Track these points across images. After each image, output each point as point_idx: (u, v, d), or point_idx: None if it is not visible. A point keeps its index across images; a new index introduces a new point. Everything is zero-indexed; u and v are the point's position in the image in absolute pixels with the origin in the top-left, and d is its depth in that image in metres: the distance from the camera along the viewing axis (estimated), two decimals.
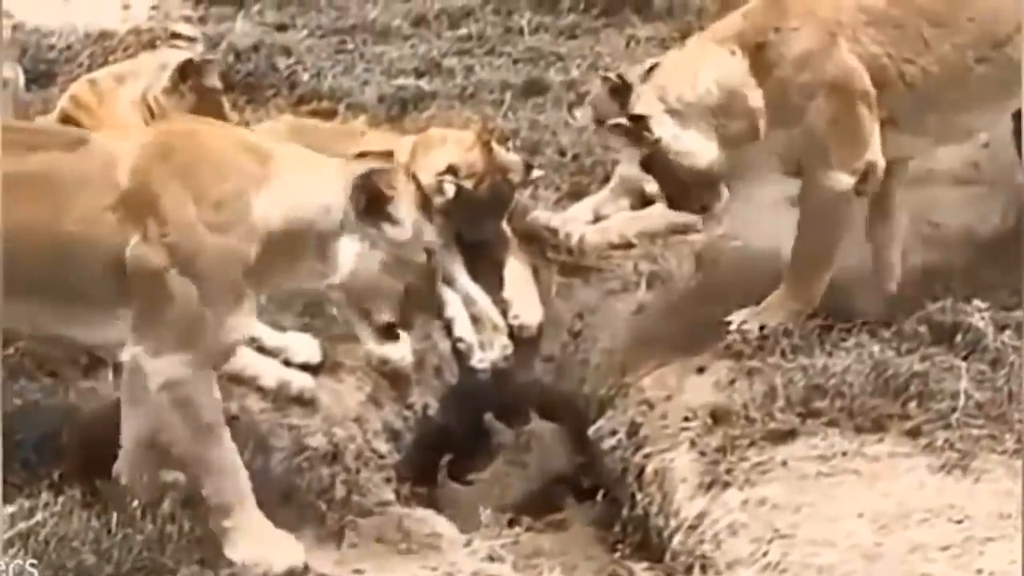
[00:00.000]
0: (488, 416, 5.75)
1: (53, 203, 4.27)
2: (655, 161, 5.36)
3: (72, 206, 4.27)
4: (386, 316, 4.43)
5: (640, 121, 5.30)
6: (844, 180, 5.19)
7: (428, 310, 4.65)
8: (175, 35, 6.82)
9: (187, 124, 4.58)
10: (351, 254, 4.33)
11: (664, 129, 5.27)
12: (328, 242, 4.33)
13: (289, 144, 4.59)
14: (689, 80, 5.29)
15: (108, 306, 4.29)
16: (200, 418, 4.26)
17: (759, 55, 5.22)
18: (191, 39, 6.72)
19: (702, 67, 5.29)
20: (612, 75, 6.46)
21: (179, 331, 4.23)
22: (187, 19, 8.88)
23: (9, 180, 4.28)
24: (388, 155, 4.71)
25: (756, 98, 5.22)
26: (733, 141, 5.25)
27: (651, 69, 5.50)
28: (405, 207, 4.37)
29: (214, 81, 5.85)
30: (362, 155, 4.61)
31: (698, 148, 5.27)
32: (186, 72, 5.73)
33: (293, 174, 4.35)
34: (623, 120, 5.38)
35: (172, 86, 5.71)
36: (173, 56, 5.91)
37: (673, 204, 5.60)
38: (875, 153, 5.20)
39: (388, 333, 4.48)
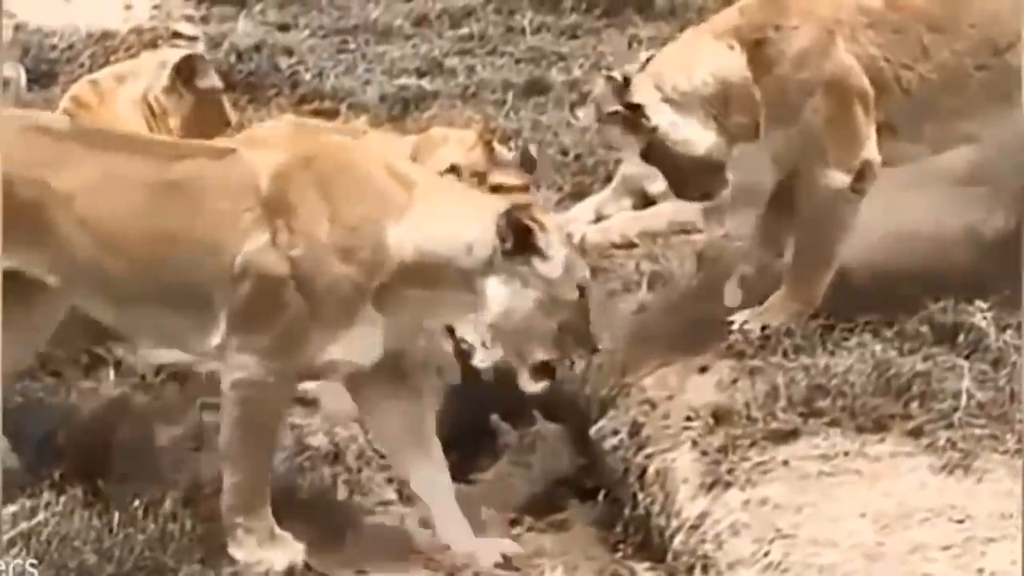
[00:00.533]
0: (494, 417, 5.74)
1: (190, 208, 4.31)
2: (654, 150, 5.36)
3: (209, 210, 4.29)
4: (540, 355, 4.33)
5: (637, 109, 5.30)
6: (840, 179, 5.20)
7: (585, 347, 4.42)
8: (176, 34, 6.83)
9: (338, 139, 4.55)
10: (504, 293, 4.23)
11: (661, 117, 5.28)
12: (473, 278, 4.24)
13: (435, 174, 4.51)
14: (685, 71, 5.30)
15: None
16: (257, 422, 4.27)
17: (758, 51, 5.23)
18: (192, 38, 6.74)
19: (699, 59, 5.30)
20: (615, 74, 6.47)
21: (277, 340, 4.23)
22: (189, 19, 8.90)
23: (152, 189, 4.33)
24: (524, 188, 4.64)
25: (754, 92, 5.24)
26: (732, 132, 5.26)
27: (647, 61, 5.52)
28: (556, 242, 4.27)
29: (211, 80, 5.85)
30: (495, 189, 4.53)
31: (695, 135, 5.28)
32: (182, 70, 5.73)
33: (435, 206, 4.29)
34: (620, 108, 5.38)
35: (171, 85, 5.72)
36: (173, 55, 5.93)
37: (676, 192, 5.60)
38: (871, 152, 5.21)
39: (543, 372, 4.37)
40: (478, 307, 4.26)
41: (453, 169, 5.92)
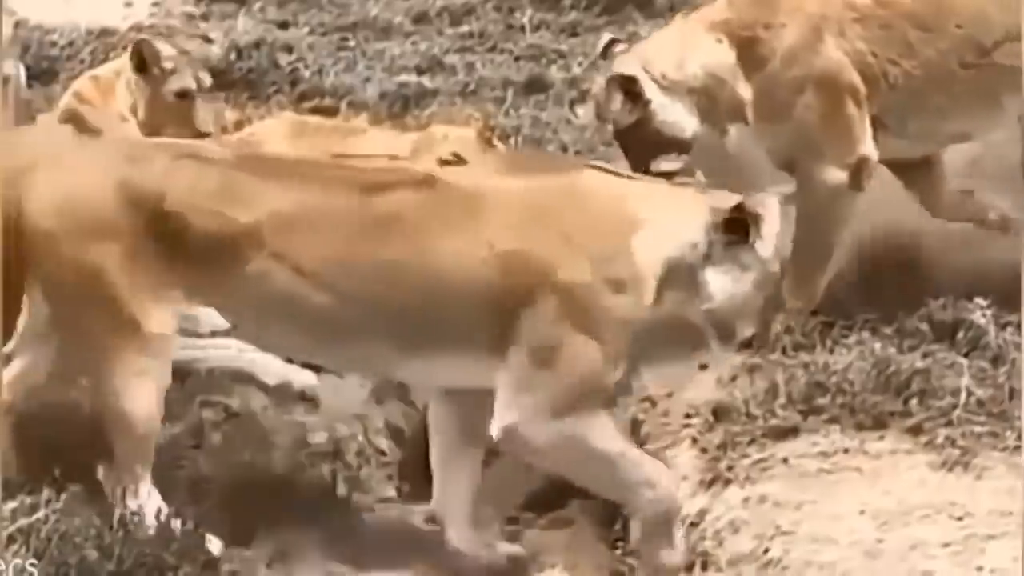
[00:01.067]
0: None
1: (415, 244, 4.23)
2: (639, 128, 5.33)
3: (438, 249, 4.23)
4: (749, 331, 4.48)
5: (631, 82, 5.30)
6: (837, 175, 5.21)
7: (780, 311, 4.71)
8: (205, 38, 6.85)
9: (549, 177, 4.48)
10: (727, 281, 4.35)
11: (653, 94, 5.28)
12: (696, 273, 4.35)
13: (639, 183, 4.56)
14: (674, 59, 5.30)
15: (470, 350, 4.27)
16: (605, 454, 4.30)
17: (748, 50, 5.24)
18: (209, 40, 6.74)
19: (688, 50, 5.31)
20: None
21: (579, 390, 4.25)
22: (189, 16, 8.92)
23: (358, 223, 4.24)
24: (690, 172, 4.80)
25: (743, 89, 5.24)
26: (718, 121, 5.27)
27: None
28: (768, 224, 4.36)
29: (177, 79, 5.82)
30: (661, 174, 4.64)
31: (683, 119, 5.28)
32: (133, 58, 5.76)
33: (656, 215, 4.35)
34: (617, 73, 5.35)
35: (136, 76, 5.77)
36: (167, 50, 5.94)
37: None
38: (868, 148, 5.22)
39: (746, 346, 4.57)
40: (698, 299, 4.35)
41: (457, 157, 5.89)
